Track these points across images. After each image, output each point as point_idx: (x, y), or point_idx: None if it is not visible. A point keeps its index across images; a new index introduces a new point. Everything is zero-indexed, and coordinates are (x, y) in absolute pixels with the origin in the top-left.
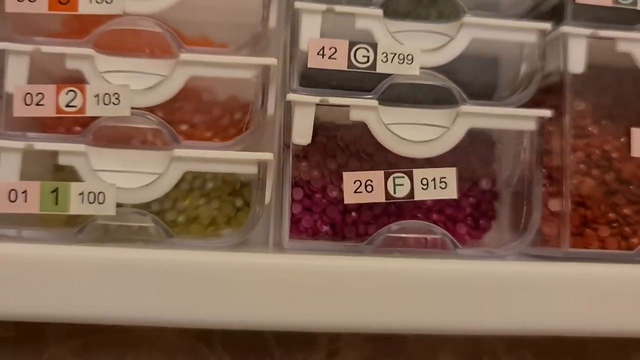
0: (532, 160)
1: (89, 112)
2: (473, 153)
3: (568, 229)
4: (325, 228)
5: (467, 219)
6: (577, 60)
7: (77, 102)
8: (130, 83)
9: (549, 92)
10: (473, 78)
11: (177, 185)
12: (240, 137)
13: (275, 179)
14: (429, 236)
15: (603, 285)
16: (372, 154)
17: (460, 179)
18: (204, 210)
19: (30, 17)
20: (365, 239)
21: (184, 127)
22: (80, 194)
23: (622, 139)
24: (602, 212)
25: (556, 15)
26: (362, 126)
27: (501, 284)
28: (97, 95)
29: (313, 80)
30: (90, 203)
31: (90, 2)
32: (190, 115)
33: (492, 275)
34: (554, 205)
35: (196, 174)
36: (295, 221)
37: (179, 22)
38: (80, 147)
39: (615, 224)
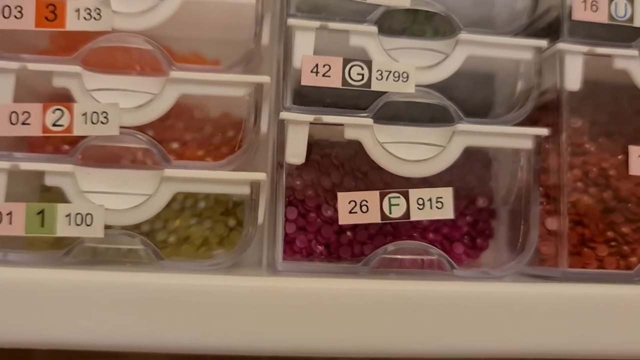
0: (529, 179)
1: (77, 131)
2: (469, 171)
3: (566, 249)
4: (320, 248)
5: (464, 238)
6: (573, 78)
7: (64, 121)
8: (119, 101)
9: (546, 109)
10: (469, 95)
11: (168, 205)
12: (232, 156)
13: (268, 198)
14: (425, 257)
15: (602, 306)
16: (367, 172)
17: (457, 197)
18: (196, 231)
19: (17, 33)
20: (361, 259)
21: (175, 146)
22: (67, 216)
23: (619, 157)
24: (600, 231)
25: (552, 31)
26: (357, 144)
27: (499, 306)
28: (85, 114)
29: (307, 97)
30: (78, 225)
31: (78, 18)
32: (182, 133)
33: (489, 296)
34: (552, 223)
35: (188, 194)
36: (289, 241)
37: (169, 38)
38: (68, 167)
39: (613, 243)
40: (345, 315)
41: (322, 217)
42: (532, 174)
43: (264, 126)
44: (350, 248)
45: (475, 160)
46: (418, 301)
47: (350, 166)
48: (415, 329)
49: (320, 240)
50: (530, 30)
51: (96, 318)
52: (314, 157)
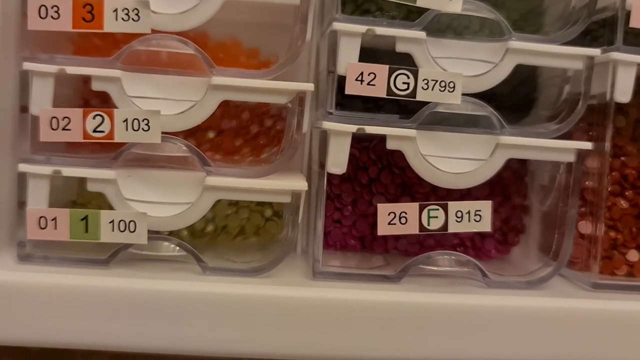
0: (568, 187)
1: (118, 138)
2: (506, 168)
3: (599, 254)
4: (354, 242)
5: (496, 234)
6: (624, 90)
7: (105, 127)
8: (159, 107)
9: (591, 111)
10: (512, 89)
11: None
12: (274, 164)
13: (307, 196)
14: (460, 269)
15: (632, 321)
16: (405, 167)
17: (492, 194)
18: (233, 220)
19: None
20: (394, 253)
21: (211, 135)
22: (110, 222)
23: None
24: (633, 236)
25: (606, 30)
26: None
27: (529, 320)
28: (125, 121)
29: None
30: (122, 231)
31: (116, 19)
32: (218, 120)
33: (520, 310)
34: (585, 227)
35: None
36: (324, 234)
37: (207, 21)
38: (110, 173)
39: None
40: (379, 325)
41: (358, 211)
42: (572, 183)
43: (305, 128)
44: (384, 242)
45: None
46: (450, 314)
47: (387, 160)
48: (448, 341)
49: (355, 233)
50: (583, 24)
51: (136, 323)
52: (351, 152)
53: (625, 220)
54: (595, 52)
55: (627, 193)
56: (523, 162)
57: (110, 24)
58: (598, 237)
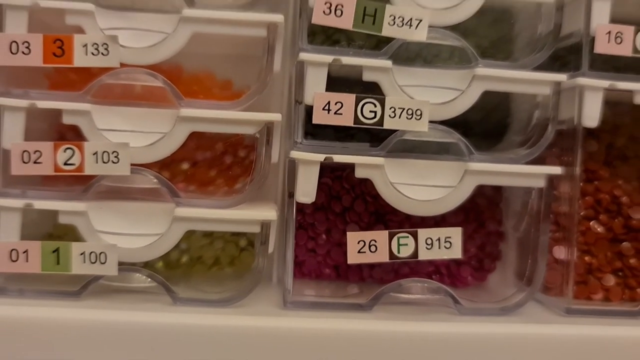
0: (539, 213)
1: (88, 170)
2: (480, 195)
3: (572, 280)
4: (328, 271)
5: (472, 261)
6: (592, 115)
7: (76, 159)
8: (129, 140)
9: (562, 136)
10: (485, 115)
11: None
12: (244, 194)
13: (279, 222)
14: (431, 297)
15: (606, 346)
16: (377, 195)
17: (466, 220)
18: (208, 250)
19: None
20: (369, 281)
21: (185, 166)
22: (81, 254)
23: (633, 183)
24: (608, 260)
25: (572, 57)
26: None
27: (503, 346)
28: (95, 153)
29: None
30: (92, 263)
31: (86, 54)
32: (192, 152)
33: (493, 337)
34: (559, 252)
35: None
36: (298, 263)
37: (180, 54)
38: (81, 206)
39: (620, 273)
40: (348, 354)
41: (331, 240)
42: (543, 208)
43: (274, 156)
44: (359, 271)
45: (486, 185)
46: (421, 342)
47: (360, 189)
48: None
49: (330, 262)
50: (551, 52)
51: (106, 354)
52: (324, 181)
53: (600, 244)
54: (561, 77)
55: (601, 217)
56: (497, 189)
57: (80, 59)
58: (571, 261)
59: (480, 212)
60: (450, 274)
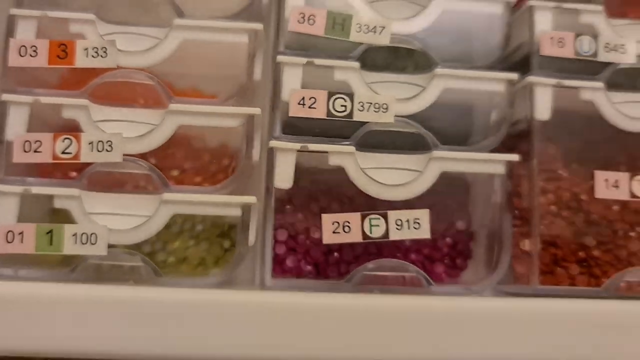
0: (502, 202)
1: (84, 158)
2: (449, 196)
3: (537, 268)
4: (309, 268)
5: (445, 259)
6: (543, 108)
7: (72, 149)
8: (122, 131)
9: (521, 138)
10: (449, 125)
11: (167, 228)
12: (226, 181)
13: (261, 222)
14: (404, 274)
15: (572, 319)
16: (353, 196)
17: (438, 220)
18: (194, 251)
19: (31, 70)
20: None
21: (175, 173)
22: (73, 235)
23: (590, 182)
24: (572, 251)
25: (525, 66)
26: (343, 171)
27: (473, 319)
28: (91, 143)
29: (297, 128)
30: (83, 244)
31: (87, 56)
32: (181, 161)
33: (464, 310)
34: (525, 244)
35: (186, 217)
36: (279, 261)
37: (170, 75)
38: (75, 191)
39: (584, 263)
40: (329, 327)
41: (310, 239)
42: (504, 197)
43: (255, 154)
44: (337, 267)
45: (454, 186)
46: (398, 315)
47: (336, 191)
48: (395, 341)
49: (309, 260)
50: (506, 65)
51: (98, 329)
52: (303, 184)
53: (564, 237)
54: (513, 76)
55: (563, 213)
56: (465, 191)
57: (82, 60)
58: (535, 252)
59: (449, 213)
60: (425, 270)
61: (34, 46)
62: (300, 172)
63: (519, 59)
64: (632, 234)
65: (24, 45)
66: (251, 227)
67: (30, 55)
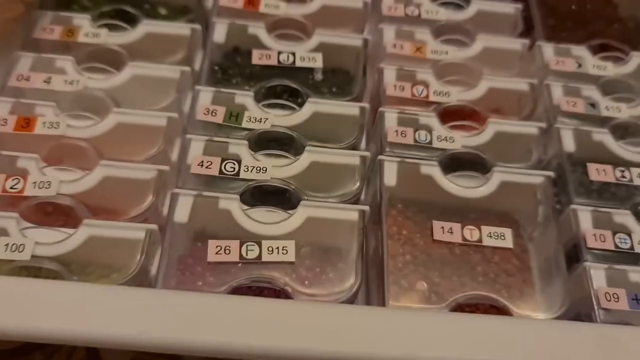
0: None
1: (27, 192)
2: None
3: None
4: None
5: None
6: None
7: (19, 186)
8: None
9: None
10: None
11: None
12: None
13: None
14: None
15: None
16: None
17: None
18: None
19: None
20: None
21: None
22: (5, 245)
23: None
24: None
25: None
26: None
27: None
28: (34, 182)
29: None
30: (12, 252)
31: (44, 126)
32: None
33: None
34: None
35: None
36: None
37: None
38: (15, 214)
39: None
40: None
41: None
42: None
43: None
44: None
45: None
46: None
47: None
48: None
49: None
50: None
51: None
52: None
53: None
54: (366, 153)
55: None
56: None
57: (40, 130)
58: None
59: None
60: None
61: (5, 119)
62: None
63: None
64: None
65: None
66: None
67: (1, 124)
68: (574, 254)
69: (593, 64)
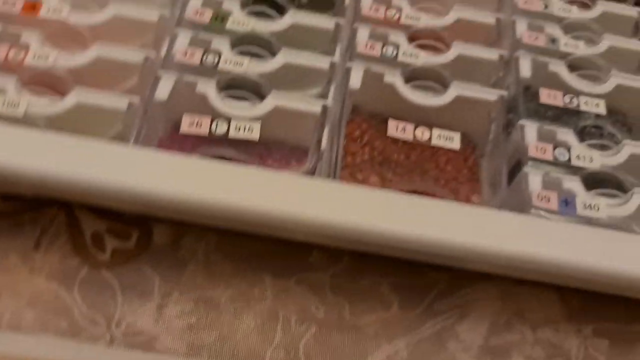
0: None
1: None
2: None
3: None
4: None
5: None
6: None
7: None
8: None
9: None
10: None
11: None
12: None
13: None
14: None
15: None
16: None
17: None
18: None
19: None
20: None
21: None
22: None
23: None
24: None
25: None
26: None
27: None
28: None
29: None
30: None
31: (47, 12)
32: None
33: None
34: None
35: None
36: None
37: None
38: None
39: None
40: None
41: None
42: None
43: None
44: None
45: None
46: None
47: None
48: None
49: None
50: None
51: None
52: None
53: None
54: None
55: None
56: None
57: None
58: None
59: None
60: None
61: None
62: None
63: None
64: None
65: None
66: None
67: None
68: (519, 169)
69: (559, 7)
